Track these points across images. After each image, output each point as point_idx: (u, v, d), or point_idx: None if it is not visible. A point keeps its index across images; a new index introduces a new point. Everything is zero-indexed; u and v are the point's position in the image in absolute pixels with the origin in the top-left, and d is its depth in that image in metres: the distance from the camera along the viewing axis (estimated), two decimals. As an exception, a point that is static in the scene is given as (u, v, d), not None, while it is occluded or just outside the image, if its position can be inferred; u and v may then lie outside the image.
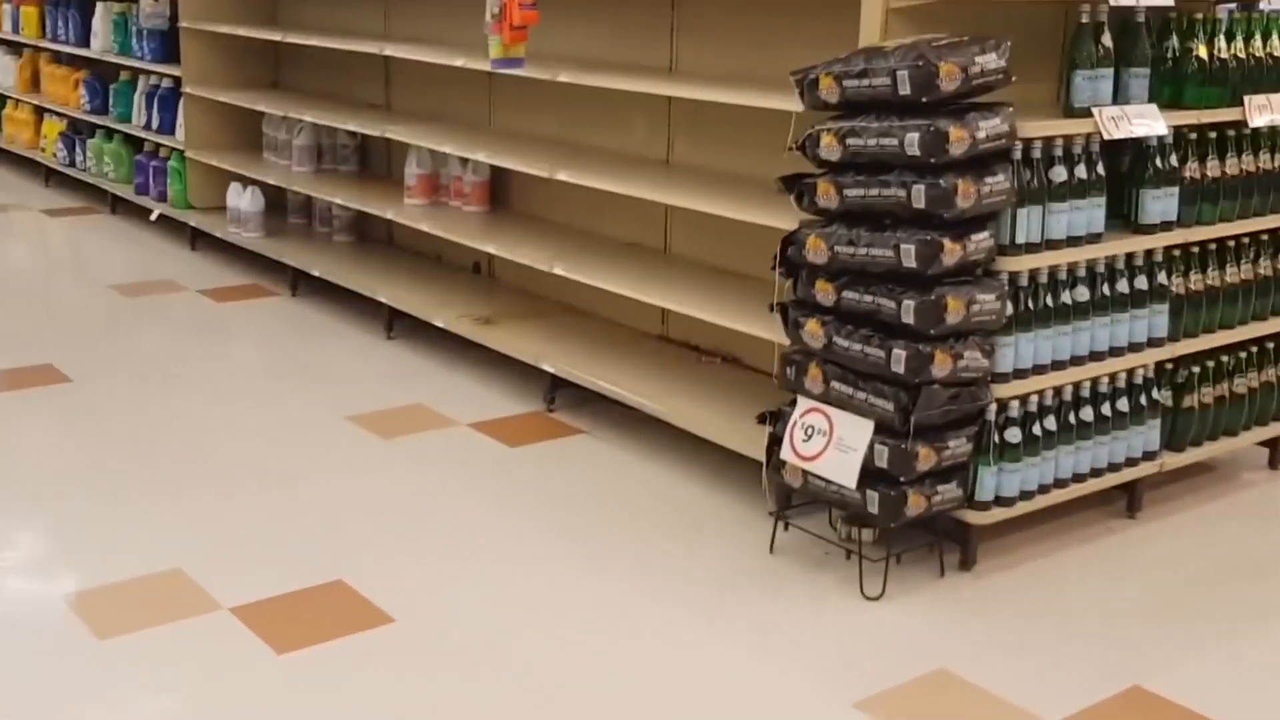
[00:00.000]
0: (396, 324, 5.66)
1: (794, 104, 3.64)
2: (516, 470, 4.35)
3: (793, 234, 3.56)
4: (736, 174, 4.61)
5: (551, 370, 4.73)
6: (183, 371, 5.25)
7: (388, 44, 5.63)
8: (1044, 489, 3.67)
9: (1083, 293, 3.62)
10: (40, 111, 9.04)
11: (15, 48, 9.42)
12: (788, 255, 3.58)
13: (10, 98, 9.46)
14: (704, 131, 4.78)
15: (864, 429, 3.41)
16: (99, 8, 7.97)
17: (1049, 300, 3.56)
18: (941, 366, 3.31)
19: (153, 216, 7.53)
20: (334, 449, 4.47)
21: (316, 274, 6.08)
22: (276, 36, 6.37)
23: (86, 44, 8.19)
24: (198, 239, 7.24)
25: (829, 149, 3.44)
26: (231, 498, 4.06)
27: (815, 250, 3.48)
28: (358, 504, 4.04)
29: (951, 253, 3.27)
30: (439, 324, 5.30)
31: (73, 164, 8.55)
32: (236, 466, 4.30)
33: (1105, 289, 3.67)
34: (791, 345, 3.63)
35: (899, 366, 3.31)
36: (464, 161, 5.62)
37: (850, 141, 3.38)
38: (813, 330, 3.51)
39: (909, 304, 3.28)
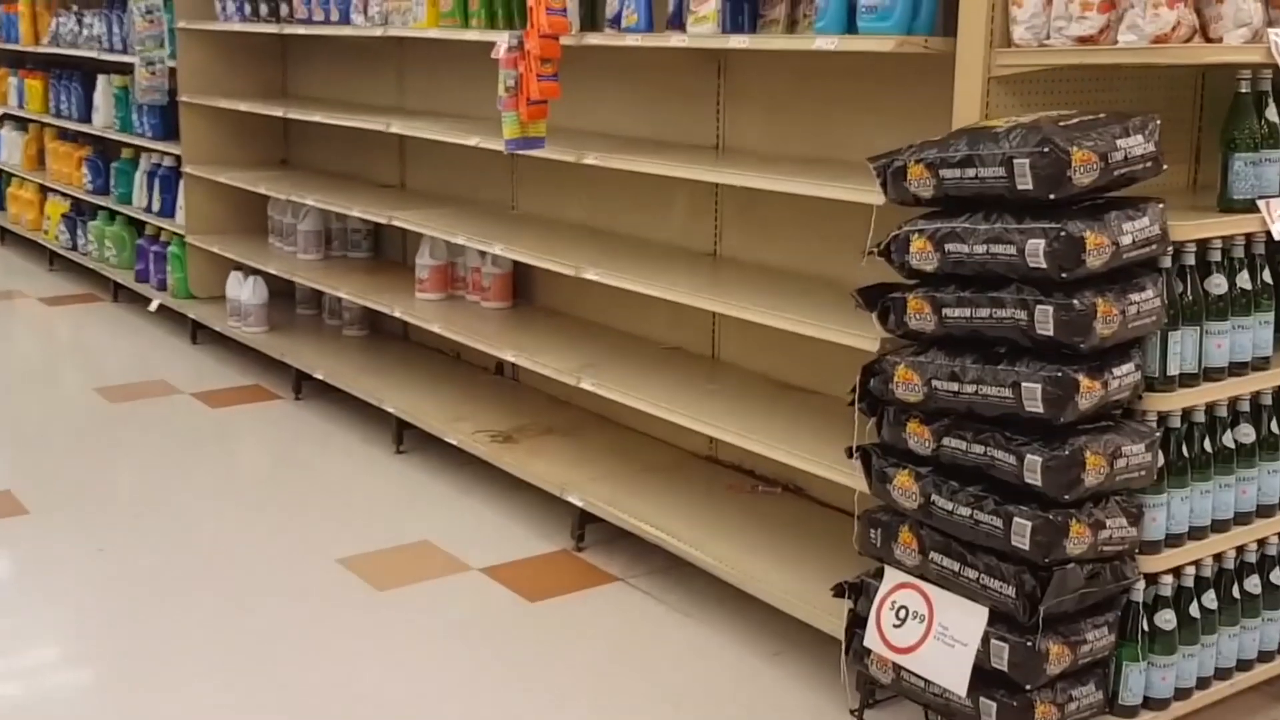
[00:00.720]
0: (407, 435, 4.96)
1: (873, 195, 2.92)
2: (536, 635, 3.58)
3: (877, 361, 2.82)
4: (799, 271, 3.89)
5: (580, 504, 3.99)
6: (158, 500, 4.55)
7: (395, 120, 4.96)
8: (1203, 683, 2.87)
9: (1248, 433, 2.84)
10: (44, 190, 8.49)
11: (23, 123, 8.91)
12: (869, 387, 2.83)
13: (15, 175, 8.93)
14: (759, 220, 4.06)
15: (975, 617, 2.64)
16: (100, 80, 7.41)
17: (1208, 445, 2.78)
18: (1078, 540, 2.54)
19: (152, 307, 6.90)
20: (316, 608, 3.73)
21: (320, 377, 5.40)
22: (279, 112, 5.74)
23: (88, 119, 7.64)
24: (199, 331, 6.59)
25: (922, 256, 2.70)
26: (177, 692, 3.32)
27: (906, 384, 2.73)
28: (329, 692, 3.30)
29: (1089, 392, 2.51)
30: (452, 441, 4.59)
31: (75, 247, 7.97)
32: (192, 644, 3.56)
33: (1275, 427, 2.90)
34: (875, 500, 2.88)
35: (1022, 540, 2.54)
36: (482, 251, 4.94)
37: (951, 248, 2.64)
38: (904, 485, 2.75)
39: (1035, 460, 2.52)
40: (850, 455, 2.90)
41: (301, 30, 5.48)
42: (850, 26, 3.10)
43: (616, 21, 3.74)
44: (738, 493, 4.04)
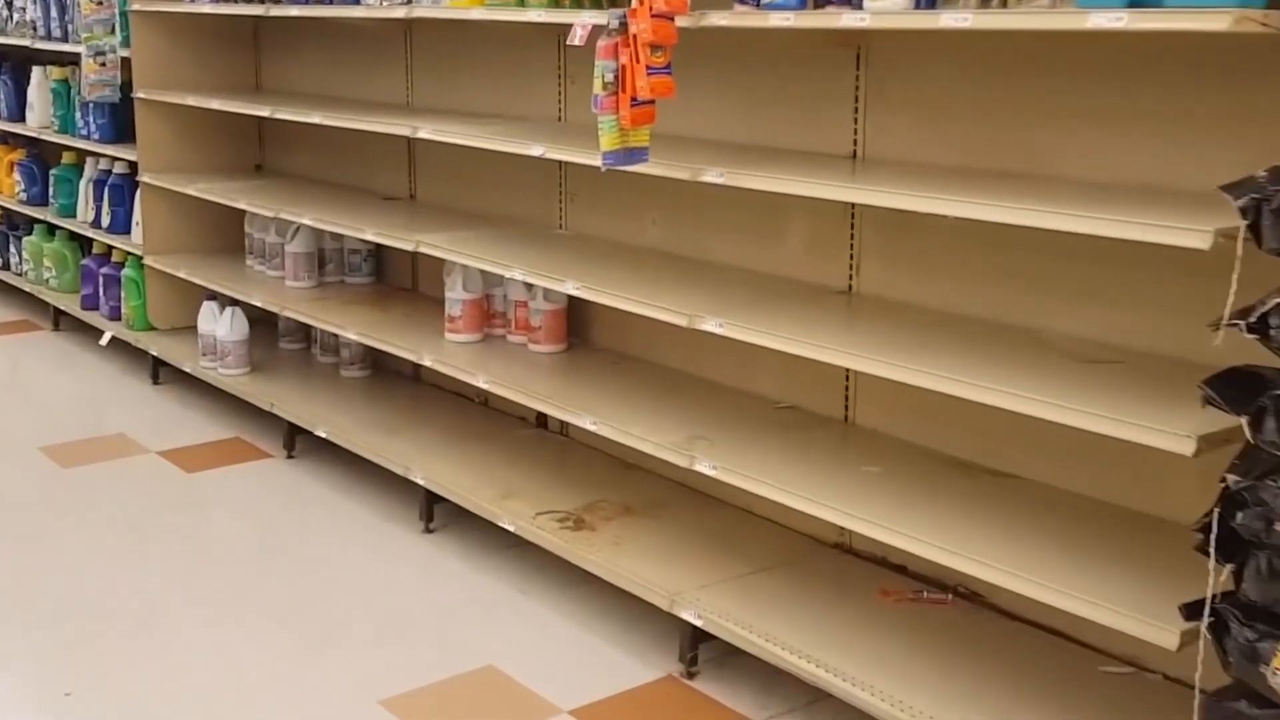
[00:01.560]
0: (437, 507, 4.03)
1: (1196, 236, 2.05)
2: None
3: (1249, 489, 1.94)
4: (972, 317, 3.01)
5: (698, 622, 3.09)
6: (136, 612, 3.58)
7: (423, 123, 4.00)
8: None
9: None
10: (-29, 200, 7.41)
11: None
12: (1235, 522, 1.96)
13: (-64, 182, 7.82)
14: (913, 250, 3.18)
15: None
16: (35, 73, 6.35)
17: None
18: None
19: (103, 340, 5.88)
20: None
21: (323, 434, 4.44)
22: (264, 111, 4.75)
23: (21, 118, 6.57)
24: (161, 369, 5.59)
25: (1317, 333, 1.83)
26: None
27: (1293, 521, 1.85)
28: None
29: None
30: (508, 527, 3.66)
31: (7, 266, 6.91)
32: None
33: None
34: (1233, 681, 2.00)
35: None
36: (529, 284, 4.01)
37: (1375, 323, 1.78)
38: (1285, 666, 1.89)
39: None
40: (1192, 617, 2.03)
41: (295, 11, 4.50)
42: (1131, -1, 2.21)
43: (753, -3, 2.83)
44: (895, 601, 3.16)
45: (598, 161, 3.01)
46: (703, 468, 3.08)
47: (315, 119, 4.38)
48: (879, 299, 3.27)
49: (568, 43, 3.15)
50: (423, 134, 3.88)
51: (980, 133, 3.00)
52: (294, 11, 4.51)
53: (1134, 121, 2.71)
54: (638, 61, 2.81)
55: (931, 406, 3.06)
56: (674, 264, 3.69)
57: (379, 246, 5.05)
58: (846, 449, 3.24)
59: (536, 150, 3.46)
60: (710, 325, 3.01)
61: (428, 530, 4.04)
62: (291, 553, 3.96)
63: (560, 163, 4.16)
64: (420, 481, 3.97)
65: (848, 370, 3.34)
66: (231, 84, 5.65)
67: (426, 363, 4.02)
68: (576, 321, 4.15)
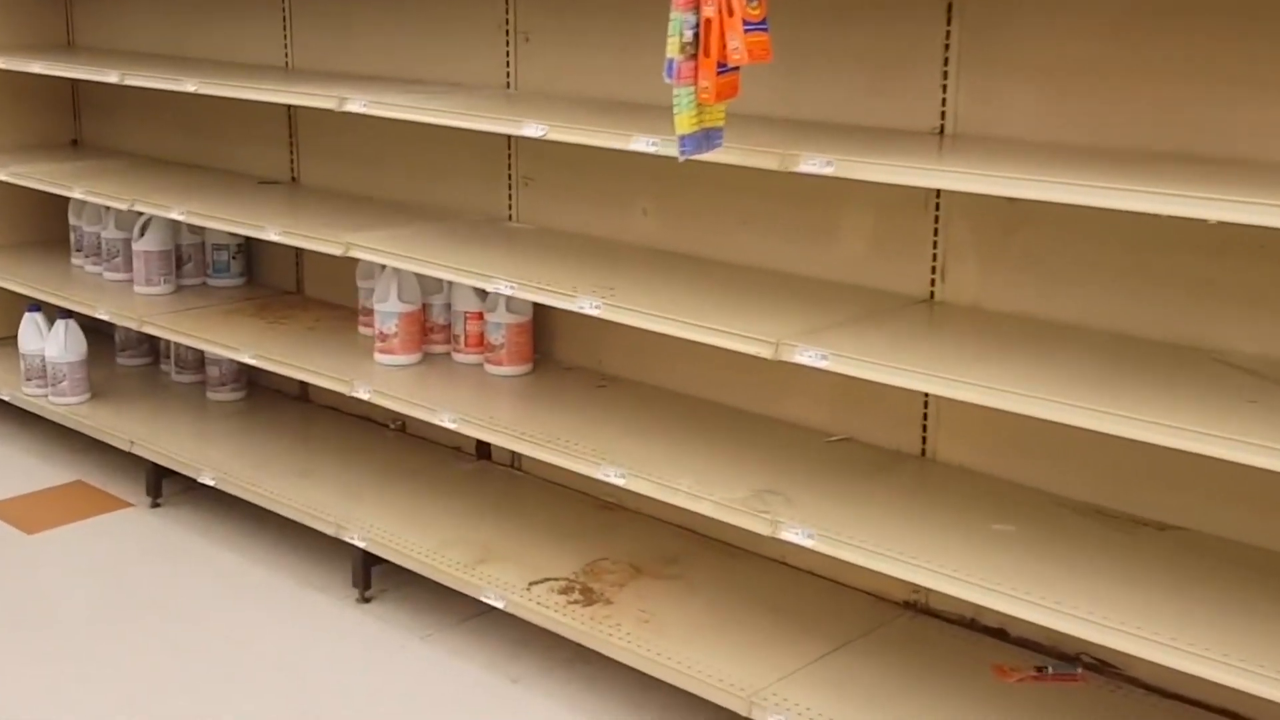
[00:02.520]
0: (376, 569, 3.24)
1: None
2: None
3: None
4: (1098, 329, 2.45)
5: (788, 729, 2.44)
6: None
7: (342, 89, 3.16)
8: None
9: None
10: None
11: None
12: None
13: None
14: (1019, 250, 2.58)
15: None
16: None
17: None
18: None
19: (-117, 360, 4.76)
20: None
21: (209, 482, 3.56)
22: (110, 76, 3.77)
23: None
24: (-35, 395, 4.54)
25: None
26: None
27: None
28: None
29: None
30: (493, 602, 2.91)
31: None
32: None
33: None
34: None
35: None
36: (481, 293, 3.24)
37: None
38: None
39: None
40: None
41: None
42: None
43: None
44: (1017, 680, 2.58)
45: (666, 148, 2.29)
46: (793, 536, 2.41)
47: (189, 87, 3.45)
48: (975, 309, 2.67)
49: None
50: (354, 107, 3.05)
51: (1123, 103, 2.41)
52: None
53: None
54: (730, 13, 2.10)
55: (1042, 440, 2.50)
56: (691, 268, 2.98)
57: (248, 240, 4.15)
58: (952, 496, 2.62)
59: (534, 129, 2.69)
60: (807, 357, 2.34)
61: (364, 599, 3.25)
62: (182, 638, 3.10)
63: (509, 138, 3.40)
64: (360, 544, 3.17)
65: (926, 395, 2.74)
66: (33, 40, 4.60)
67: (361, 395, 3.20)
68: (537, 335, 3.40)
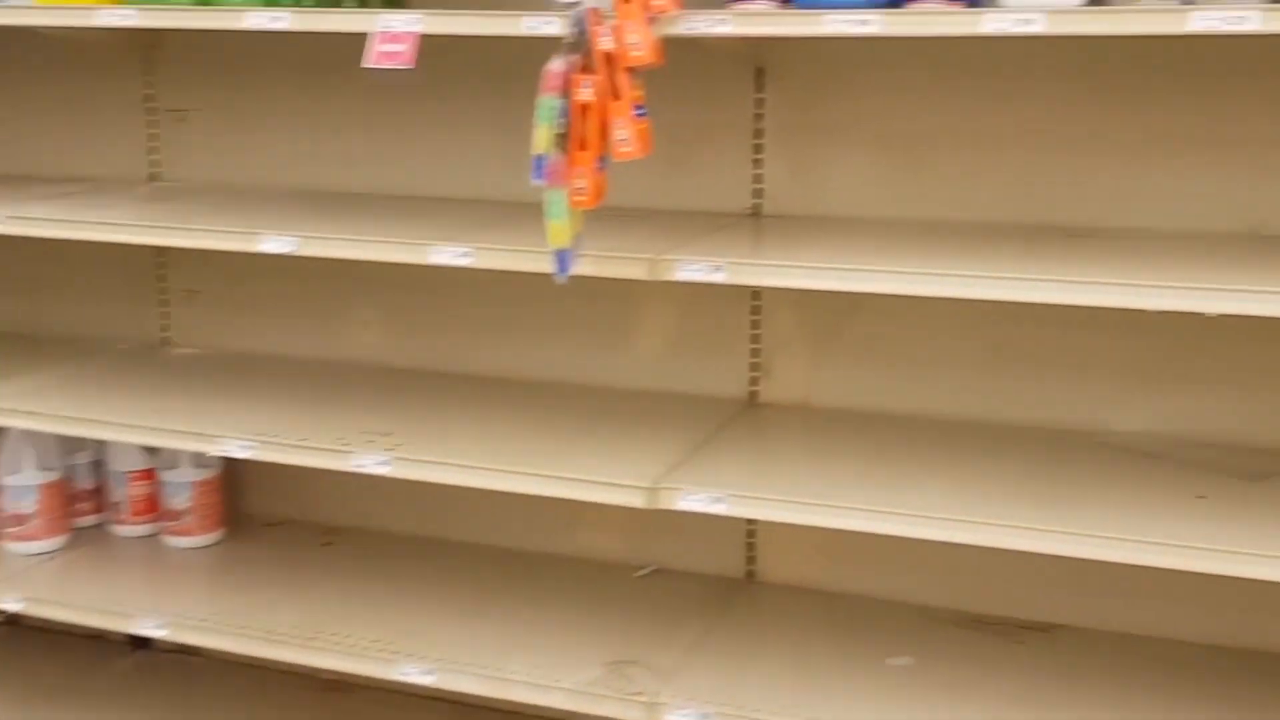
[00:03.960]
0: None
1: None
2: None
3: None
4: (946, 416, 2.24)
5: None
6: None
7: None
8: None
9: None
10: None
11: None
12: None
13: None
14: (847, 338, 2.31)
15: None
16: None
17: None
18: None
19: None
20: None
21: None
22: None
23: None
24: None
25: None
26: None
27: None
28: None
29: None
30: None
31: None
32: None
33: None
34: None
35: None
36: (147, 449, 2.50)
37: None
38: None
39: None
40: None
41: None
42: None
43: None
44: None
45: (490, 259, 1.78)
46: (683, 718, 1.98)
47: None
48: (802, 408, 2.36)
49: (371, 64, 1.86)
50: (-23, 223, 2.24)
51: (959, 173, 2.21)
52: None
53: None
54: (617, 96, 1.64)
55: (893, 549, 2.25)
56: (460, 391, 2.44)
57: None
58: (816, 625, 2.28)
59: (279, 245, 2.05)
60: (695, 502, 1.92)
61: None
62: None
63: (158, 249, 2.68)
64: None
65: (749, 520, 2.40)
66: None
67: (12, 607, 2.35)
68: (234, 489, 2.70)
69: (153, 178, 2.70)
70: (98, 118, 2.71)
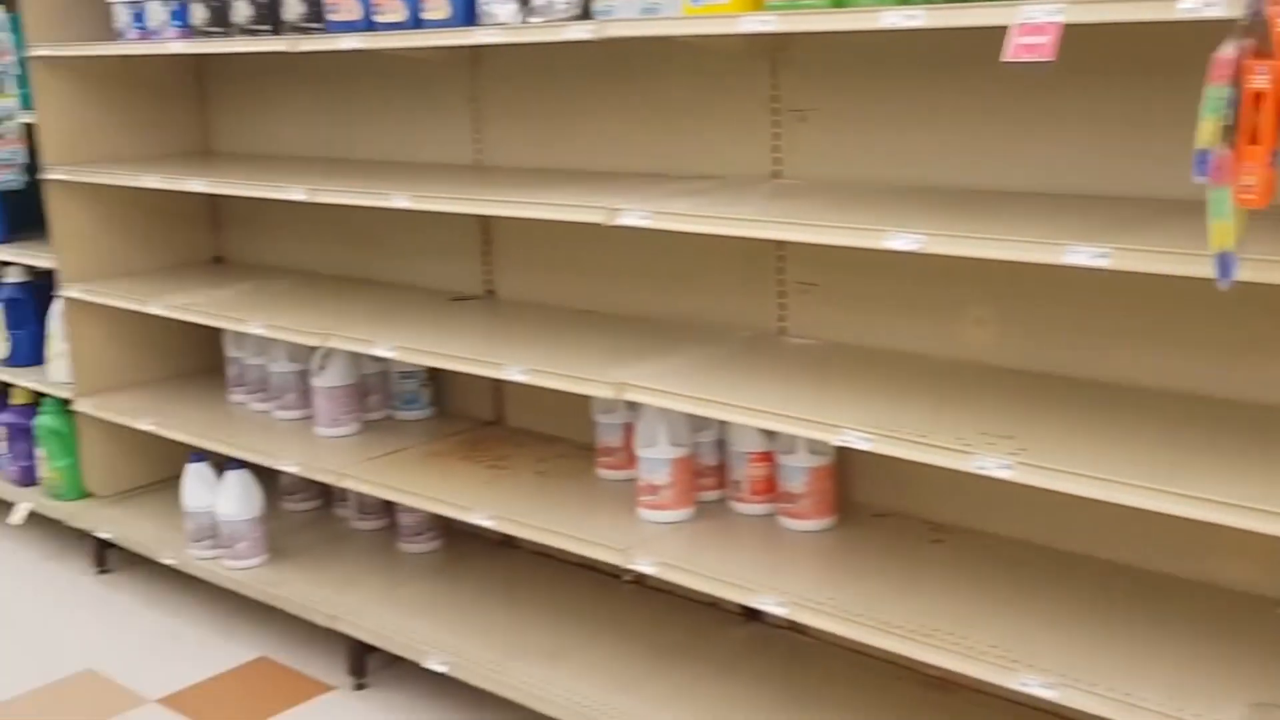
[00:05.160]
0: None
1: None
2: None
3: None
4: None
5: None
6: None
7: (606, 197, 2.60)
8: None
9: None
10: None
11: None
12: None
13: None
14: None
15: None
16: None
17: None
18: None
19: (16, 518, 4.21)
20: None
21: (439, 668, 2.96)
22: (294, 192, 3.21)
23: None
24: (109, 555, 3.98)
25: None
26: None
27: None
28: None
29: None
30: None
31: None
32: None
33: None
34: None
35: None
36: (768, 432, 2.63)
37: None
38: None
39: None
40: None
41: (358, 43, 2.98)
42: None
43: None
44: None
45: (1200, 269, 1.69)
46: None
47: (399, 202, 2.89)
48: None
49: (1010, 57, 1.82)
50: (629, 220, 2.47)
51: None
52: (355, 43, 2.98)
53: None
54: (1295, 85, 1.50)
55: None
56: (1086, 397, 2.36)
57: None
58: None
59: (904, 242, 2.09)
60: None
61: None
62: None
63: (778, 242, 2.81)
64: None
65: None
66: (168, 148, 4.08)
67: (644, 568, 2.60)
68: (845, 476, 2.79)
69: (774, 175, 2.83)
70: (726, 119, 2.89)
